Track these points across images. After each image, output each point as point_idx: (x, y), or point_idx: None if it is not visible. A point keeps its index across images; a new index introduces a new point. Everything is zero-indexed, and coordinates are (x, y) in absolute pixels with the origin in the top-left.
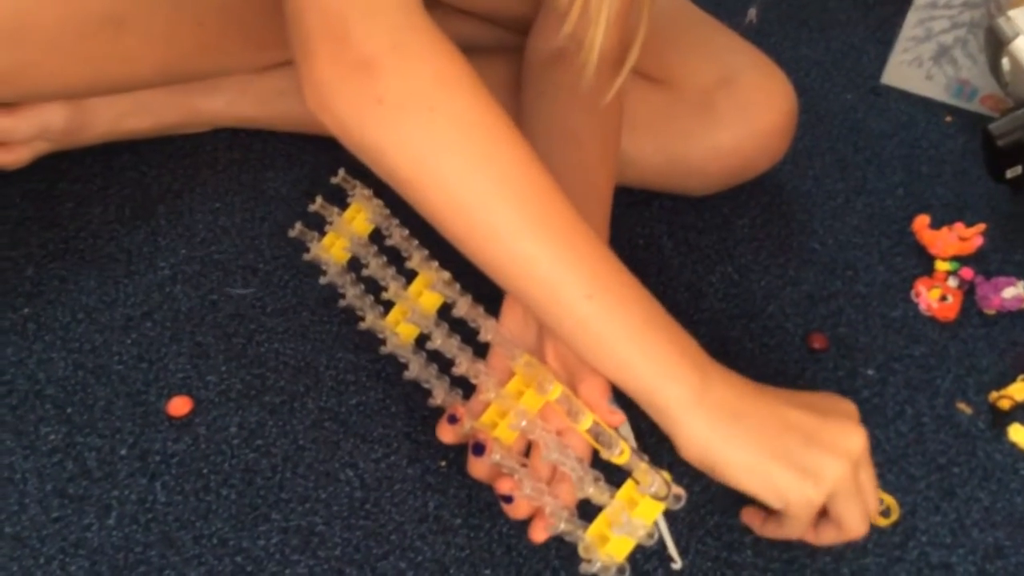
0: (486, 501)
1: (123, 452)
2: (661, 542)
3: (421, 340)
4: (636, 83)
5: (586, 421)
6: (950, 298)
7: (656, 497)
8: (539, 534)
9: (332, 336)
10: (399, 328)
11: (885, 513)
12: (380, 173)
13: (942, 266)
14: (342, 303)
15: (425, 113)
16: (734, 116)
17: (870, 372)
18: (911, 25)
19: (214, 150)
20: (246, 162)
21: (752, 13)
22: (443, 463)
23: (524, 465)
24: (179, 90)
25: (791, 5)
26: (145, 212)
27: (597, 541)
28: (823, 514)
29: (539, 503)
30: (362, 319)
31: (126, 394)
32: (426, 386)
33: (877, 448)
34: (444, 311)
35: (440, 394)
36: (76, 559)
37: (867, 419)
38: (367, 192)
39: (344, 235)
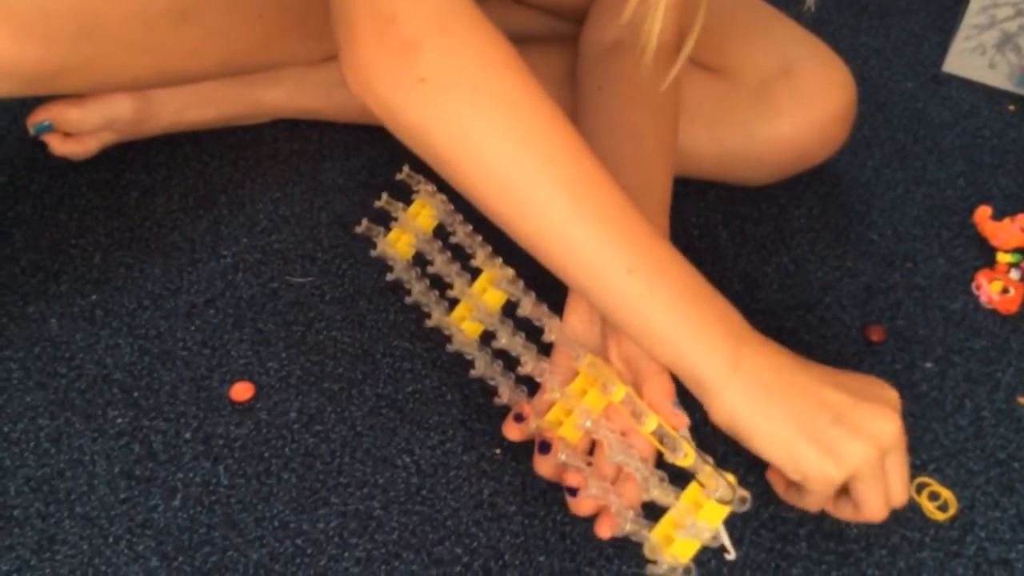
0: (540, 489)
1: (187, 436)
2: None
3: (485, 337)
4: (693, 73)
5: (650, 423)
6: (1012, 290)
7: (722, 501)
8: (605, 531)
9: (389, 324)
10: (464, 325)
11: (943, 507)
12: (423, 155)
13: (1004, 258)
14: (408, 300)
15: (468, 93)
16: (793, 106)
17: (928, 365)
18: (974, 12)
19: (274, 141)
20: (305, 153)
21: (811, 0)
22: (498, 451)
23: (589, 464)
24: (240, 82)
25: None
26: (208, 202)
27: (662, 542)
28: (845, 491)
29: (605, 502)
30: (428, 316)
31: (190, 379)
32: (491, 384)
33: (935, 442)
34: (508, 309)
35: (506, 392)
36: (143, 539)
37: (925, 413)
38: (431, 188)
39: (409, 231)
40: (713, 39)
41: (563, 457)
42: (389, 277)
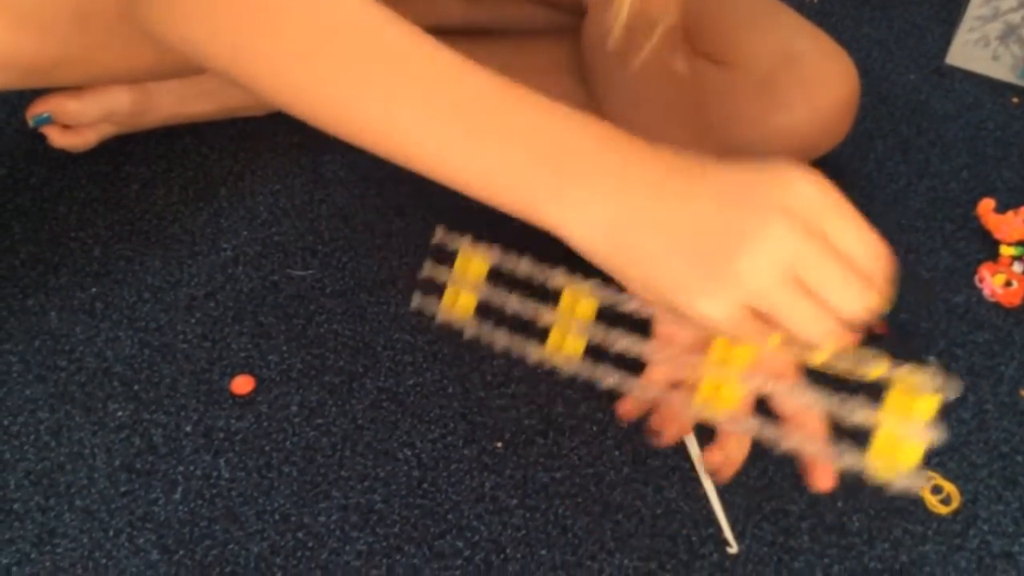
0: (542, 482)
1: (188, 429)
2: (717, 526)
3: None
4: (698, 64)
5: (823, 353)
6: (1015, 283)
7: (935, 391)
8: (826, 481)
9: (389, 317)
10: (566, 348)
11: (946, 501)
12: (209, 69)
13: (1007, 251)
14: (499, 350)
15: None
16: (796, 97)
17: (931, 359)
18: (977, 4)
19: (274, 133)
20: (305, 145)
21: None
22: (499, 444)
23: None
24: None
25: None
26: (208, 194)
27: (884, 462)
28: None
29: (811, 448)
30: (527, 357)
31: (191, 372)
32: (624, 389)
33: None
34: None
35: (649, 391)
36: (143, 532)
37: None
38: (468, 241)
39: (464, 287)
40: (716, 29)
41: (746, 425)
42: (467, 336)
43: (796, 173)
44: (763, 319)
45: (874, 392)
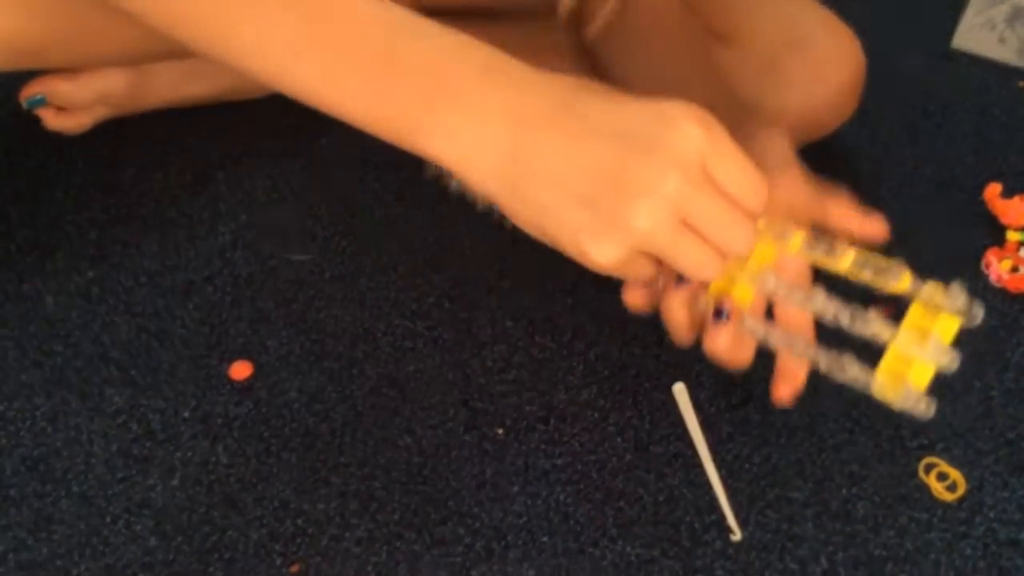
0: (543, 469)
1: (186, 415)
2: (720, 513)
3: None
4: (705, 41)
5: (847, 257)
6: (1021, 269)
7: (957, 312)
8: (789, 389)
9: (390, 303)
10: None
11: (951, 488)
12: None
13: (1014, 236)
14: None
15: None
16: (802, 76)
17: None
18: None
19: (271, 116)
20: (303, 128)
21: None
22: (500, 430)
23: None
24: None
25: None
26: (205, 178)
27: (891, 379)
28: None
29: (811, 357)
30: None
31: (188, 358)
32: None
33: (944, 422)
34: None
35: (658, 279)
36: (141, 518)
37: (934, 392)
38: None
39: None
40: (722, 6)
41: (750, 324)
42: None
43: (683, 112)
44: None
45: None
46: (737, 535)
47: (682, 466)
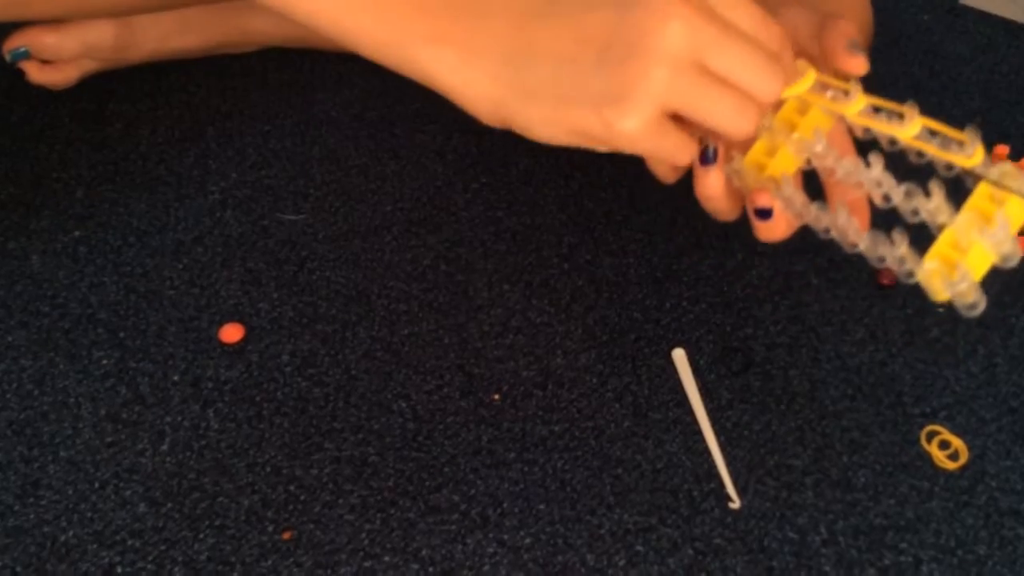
0: (540, 436)
1: (176, 378)
2: (719, 481)
3: None
4: None
5: (914, 124)
6: None
7: None
8: (771, 234)
9: (384, 264)
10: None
11: (953, 456)
12: None
13: None
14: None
15: None
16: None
17: (940, 310)
18: None
19: (263, 71)
20: (295, 84)
21: None
22: (496, 396)
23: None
24: (226, 8)
25: None
26: (195, 134)
27: (942, 265)
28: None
29: (852, 234)
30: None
31: (178, 320)
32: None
33: (946, 389)
34: None
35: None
36: (130, 484)
37: (937, 359)
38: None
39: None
40: None
41: (787, 192)
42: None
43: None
44: (684, 124)
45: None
46: (736, 503)
47: (681, 433)
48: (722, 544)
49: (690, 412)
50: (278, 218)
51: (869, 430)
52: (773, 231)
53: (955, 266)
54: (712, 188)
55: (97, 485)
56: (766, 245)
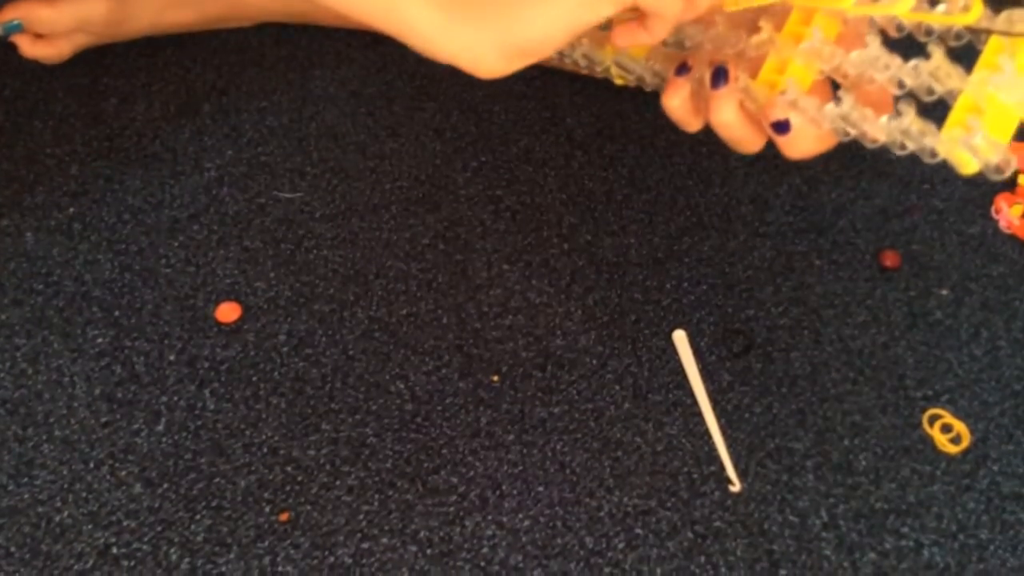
0: (539, 417)
1: (171, 357)
2: (719, 463)
3: None
4: None
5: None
6: None
7: None
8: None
9: (382, 244)
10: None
11: (955, 440)
12: None
13: None
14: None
15: None
16: None
17: (944, 292)
18: None
19: (260, 46)
20: (293, 59)
21: None
22: (495, 377)
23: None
24: None
25: None
26: (190, 110)
27: (961, 132)
28: None
29: (848, 122)
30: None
31: (174, 298)
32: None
33: (949, 372)
34: None
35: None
36: (126, 464)
37: (939, 341)
38: None
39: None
40: None
41: (791, 95)
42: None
43: None
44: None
45: None
46: (736, 486)
47: (681, 415)
48: (722, 527)
49: (690, 394)
50: (275, 196)
51: (871, 413)
52: (798, 146)
53: (974, 130)
54: (727, 113)
55: (92, 465)
56: (768, 227)
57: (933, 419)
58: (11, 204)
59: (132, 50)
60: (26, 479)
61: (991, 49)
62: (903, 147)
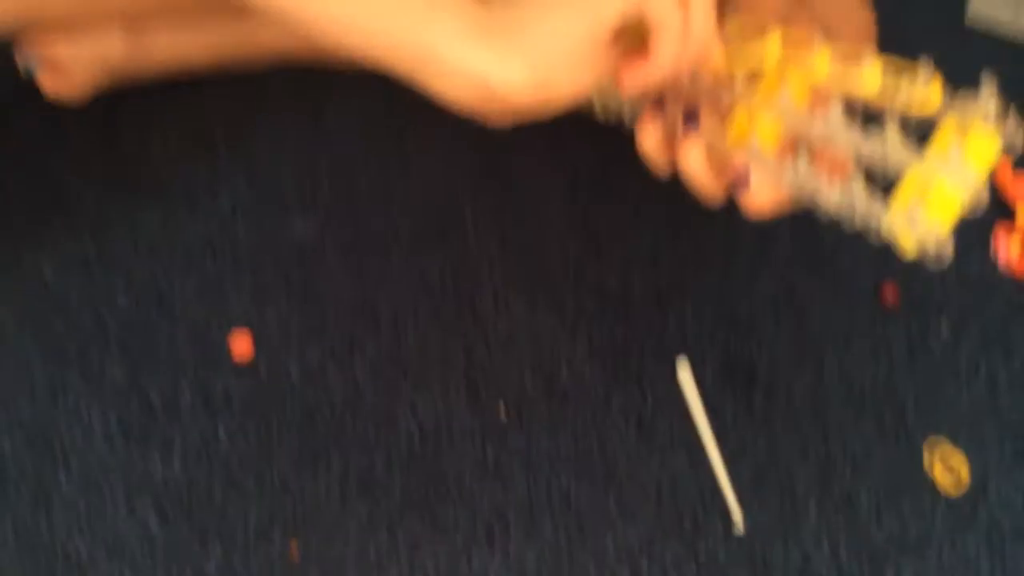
0: (545, 450)
1: (186, 390)
2: (723, 499)
3: None
4: None
5: (875, 68)
6: None
7: (989, 120)
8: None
9: (391, 276)
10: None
11: (955, 475)
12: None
13: None
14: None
15: None
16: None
17: (943, 328)
18: None
19: (273, 83)
20: (305, 96)
21: None
22: (502, 410)
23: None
24: (236, 19)
25: None
26: (205, 144)
27: (902, 212)
28: None
29: (801, 183)
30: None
31: (188, 331)
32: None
33: (949, 407)
34: None
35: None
36: (141, 496)
37: (939, 377)
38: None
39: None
40: None
41: (753, 148)
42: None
43: None
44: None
45: None
46: (739, 520)
47: (685, 449)
48: (726, 561)
49: (694, 428)
50: (287, 227)
51: (872, 448)
52: (756, 201)
53: (921, 211)
54: (693, 159)
55: (108, 497)
56: (772, 261)
57: (933, 454)
58: (31, 240)
59: (149, 90)
60: (43, 511)
61: (944, 132)
62: (852, 218)
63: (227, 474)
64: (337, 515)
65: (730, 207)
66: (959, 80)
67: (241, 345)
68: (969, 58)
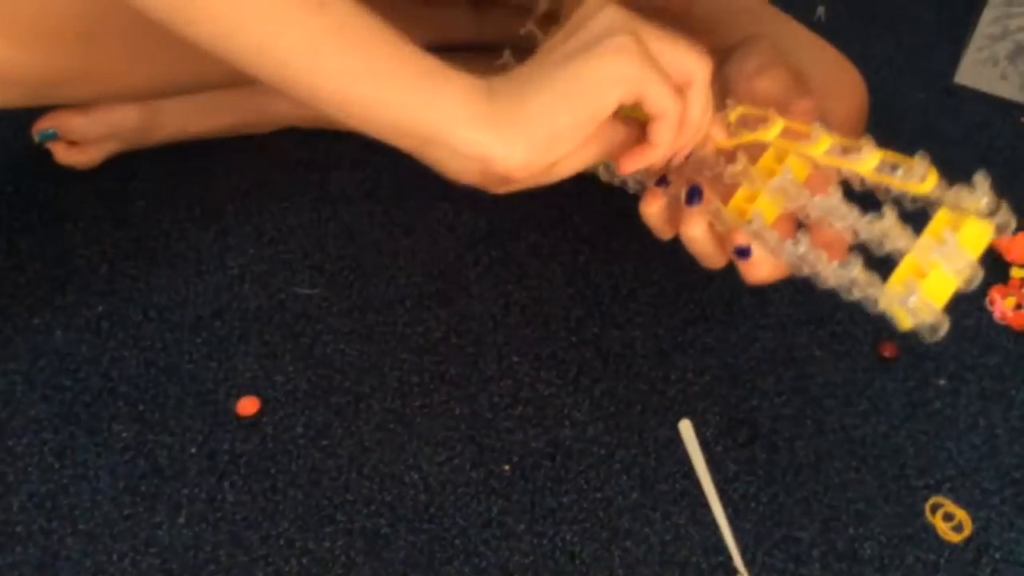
0: (549, 507)
1: (193, 451)
2: (727, 553)
3: None
4: None
5: (872, 157)
6: None
7: (983, 211)
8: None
9: (396, 337)
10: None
11: (957, 528)
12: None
13: (1017, 273)
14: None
15: None
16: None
17: (942, 382)
18: (987, 23)
19: (281, 150)
20: (313, 162)
21: (821, 10)
22: (507, 467)
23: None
24: (247, 90)
25: (861, 1)
26: (215, 211)
27: (902, 291)
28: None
29: (800, 263)
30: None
31: (196, 393)
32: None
33: (949, 461)
34: None
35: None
36: (147, 556)
37: (939, 431)
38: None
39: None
40: (717, 39)
41: (755, 226)
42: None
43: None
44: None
45: None
46: (745, 575)
47: (688, 505)
48: None
49: (697, 484)
50: (294, 292)
51: (874, 502)
52: (756, 271)
53: (916, 291)
54: (696, 229)
55: (115, 557)
56: (769, 319)
57: (935, 507)
58: (42, 303)
59: (159, 155)
60: (51, 571)
61: (939, 219)
62: (850, 293)
63: (233, 533)
64: (342, 573)
65: (730, 266)
66: (945, 139)
67: (247, 406)
68: (957, 117)
